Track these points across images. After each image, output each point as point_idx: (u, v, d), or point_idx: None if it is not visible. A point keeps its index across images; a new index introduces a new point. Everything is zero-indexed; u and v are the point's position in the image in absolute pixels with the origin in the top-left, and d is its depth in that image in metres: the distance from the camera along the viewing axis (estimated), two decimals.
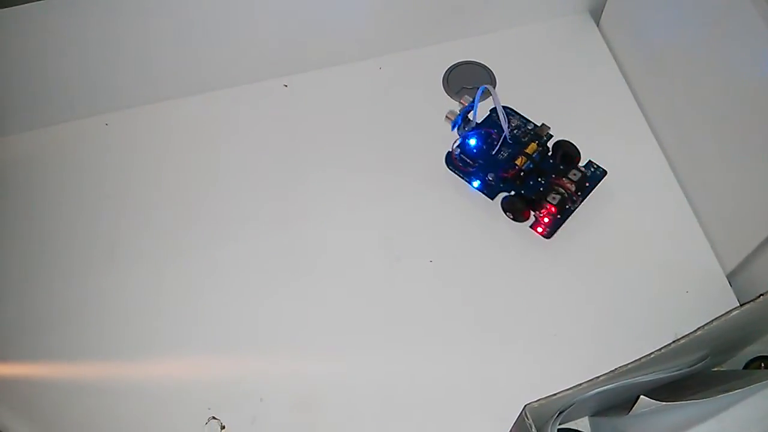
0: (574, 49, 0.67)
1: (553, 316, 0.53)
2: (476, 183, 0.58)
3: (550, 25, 0.68)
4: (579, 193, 0.56)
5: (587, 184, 0.57)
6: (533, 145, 0.57)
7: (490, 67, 0.65)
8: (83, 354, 0.54)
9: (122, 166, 0.62)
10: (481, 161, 0.58)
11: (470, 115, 0.57)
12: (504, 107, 0.59)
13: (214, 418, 0.51)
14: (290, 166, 0.61)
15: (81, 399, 0.52)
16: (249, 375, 0.52)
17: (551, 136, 0.59)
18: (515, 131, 0.59)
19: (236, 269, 0.56)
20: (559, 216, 0.56)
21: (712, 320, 0.37)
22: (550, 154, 0.58)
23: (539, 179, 0.57)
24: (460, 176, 0.59)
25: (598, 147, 0.59)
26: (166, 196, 0.60)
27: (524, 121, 0.60)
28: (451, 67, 0.65)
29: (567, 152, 0.58)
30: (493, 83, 0.64)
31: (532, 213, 0.56)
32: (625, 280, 0.54)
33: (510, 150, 0.58)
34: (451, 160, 0.59)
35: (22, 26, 0.56)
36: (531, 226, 0.56)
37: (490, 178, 0.57)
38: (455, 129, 0.58)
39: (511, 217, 0.56)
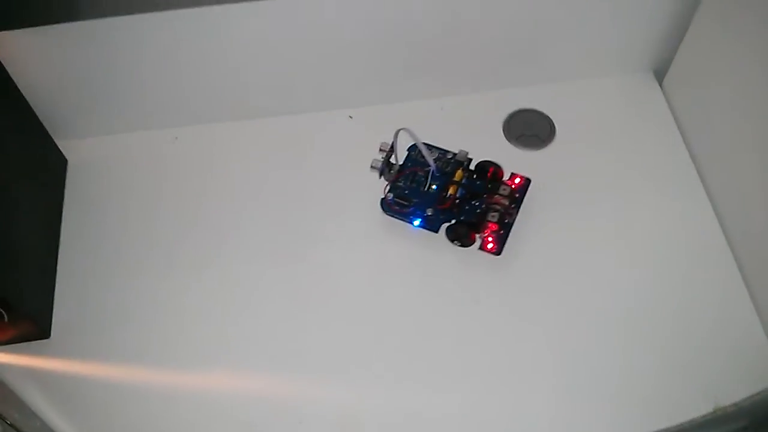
0: (635, 106, 0.67)
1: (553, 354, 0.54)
2: (417, 221, 0.59)
3: (613, 80, 0.69)
4: (513, 206, 0.59)
5: (517, 195, 0.59)
6: (459, 172, 0.60)
7: (550, 117, 0.66)
8: (135, 357, 0.56)
9: (185, 178, 0.64)
10: (415, 200, 0.60)
11: (392, 159, 0.59)
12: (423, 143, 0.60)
13: None
14: (350, 193, 0.63)
15: (127, 400, 0.54)
16: (291, 397, 0.53)
17: (470, 159, 0.61)
18: (438, 163, 0.61)
19: (295, 289, 0.58)
20: (502, 231, 0.58)
21: (758, 393, 0.37)
22: (475, 176, 0.60)
23: (474, 202, 0.59)
24: (399, 219, 0.60)
25: (651, 204, 0.60)
26: (231, 209, 0.62)
27: (443, 151, 0.62)
28: (512, 113, 0.67)
29: (491, 170, 0.60)
30: (553, 132, 0.65)
31: (477, 235, 0.58)
32: (664, 337, 0.54)
33: (439, 182, 0.60)
34: (386, 205, 0.60)
35: (115, 36, 0.58)
36: (480, 248, 0.58)
37: (430, 213, 0.59)
38: (382, 176, 0.59)
39: (459, 244, 0.58)
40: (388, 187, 0.60)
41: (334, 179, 0.64)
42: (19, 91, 0.59)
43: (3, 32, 0.55)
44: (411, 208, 0.59)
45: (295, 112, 0.67)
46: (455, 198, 0.59)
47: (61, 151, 0.65)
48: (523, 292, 0.57)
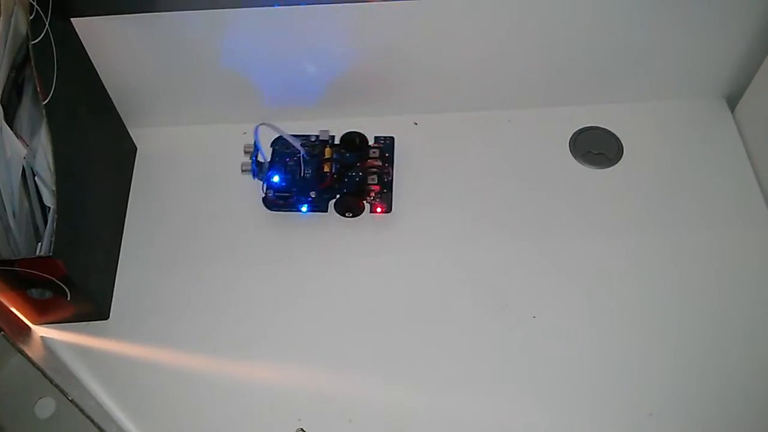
0: (705, 132, 0.67)
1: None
2: (304, 208, 0.61)
3: (684, 104, 0.68)
4: (387, 165, 0.62)
5: (387, 154, 0.63)
6: (328, 149, 0.62)
7: (619, 136, 0.65)
8: (190, 344, 0.57)
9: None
10: (295, 189, 0.61)
11: (260, 158, 0.60)
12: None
13: (302, 430, 0.52)
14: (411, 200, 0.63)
15: (179, 386, 0.55)
16: (343, 394, 0.54)
17: (333, 136, 0.63)
18: (306, 148, 0.62)
19: (355, 290, 0.59)
20: (384, 190, 0.61)
21: None
22: (343, 150, 0.62)
23: (350, 173, 0.61)
24: (286, 210, 0.61)
25: (713, 234, 0.59)
26: None
27: (304, 137, 0.63)
28: (579, 129, 0.66)
29: (356, 139, 0.62)
30: (620, 152, 0.64)
31: (364, 201, 0.60)
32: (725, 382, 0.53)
33: (312, 166, 0.61)
34: (270, 203, 0.61)
35: (194, 29, 0.59)
36: (371, 212, 0.61)
37: (313, 195, 0.60)
38: (256, 177, 0.60)
39: (351, 215, 0.60)
40: (264, 185, 0.61)
41: None
42: (98, 76, 0.61)
43: (89, 18, 0.57)
44: (294, 197, 0.61)
45: (366, 114, 0.67)
46: (332, 174, 0.61)
47: (132, 139, 0.67)
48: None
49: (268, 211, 0.61)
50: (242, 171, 0.61)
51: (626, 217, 0.61)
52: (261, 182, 0.61)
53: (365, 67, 0.64)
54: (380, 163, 0.62)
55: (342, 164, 0.62)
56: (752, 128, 0.65)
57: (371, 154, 0.62)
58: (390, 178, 0.62)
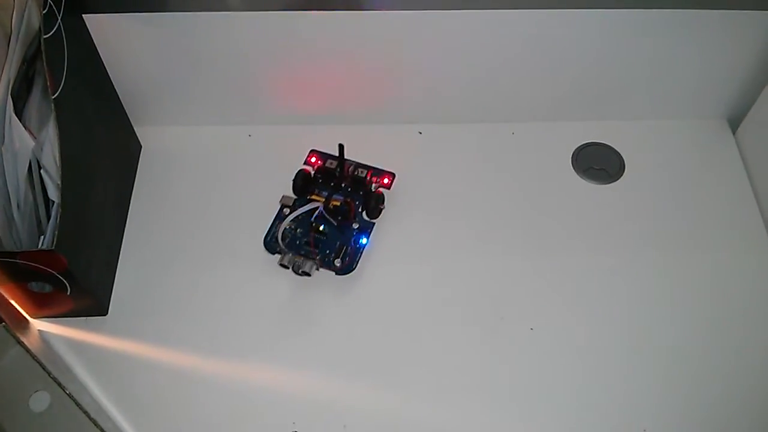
0: (707, 152, 0.67)
1: None
2: (363, 239, 0.61)
3: (686, 124, 0.68)
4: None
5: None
6: (320, 198, 0.61)
7: (621, 153, 0.66)
8: (187, 343, 0.56)
9: (255, 175, 0.65)
10: (334, 235, 0.60)
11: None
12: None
13: None
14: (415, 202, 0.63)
15: (176, 385, 0.55)
16: (338, 400, 0.54)
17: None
18: (305, 212, 0.60)
19: (352, 297, 0.59)
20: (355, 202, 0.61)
21: None
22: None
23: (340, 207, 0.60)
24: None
25: (711, 254, 0.60)
26: None
27: (300, 201, 0.62)
28: (582, 145, 0.67)
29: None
30: (622, 169, 0.65)
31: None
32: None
33: (323, 221, 0.60)
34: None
35: (203, 30, 0.60)
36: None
37: (356, 226, 0.61)
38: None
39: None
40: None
41: None
42: (107, 72, 0.61)
43: (100, 14, 0.57)
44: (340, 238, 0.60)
45: (371, 122, 0.68)
46: (337, 207, 0.60)
47: (137, 137, 0.67)
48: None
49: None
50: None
51: (626, 233, 0.61)
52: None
53: (371, 74, 0.65)
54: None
55: (338, 206, 0.61)
56: (753, 150, 0.65)
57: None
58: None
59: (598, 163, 0.65)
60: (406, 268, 0.60)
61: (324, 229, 0.60)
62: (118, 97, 0.63)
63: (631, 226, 0.62)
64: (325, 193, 0.62)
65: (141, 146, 0.67)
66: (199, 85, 0.65)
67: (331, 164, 0.63)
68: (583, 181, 0.64)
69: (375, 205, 0.61)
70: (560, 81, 0.65)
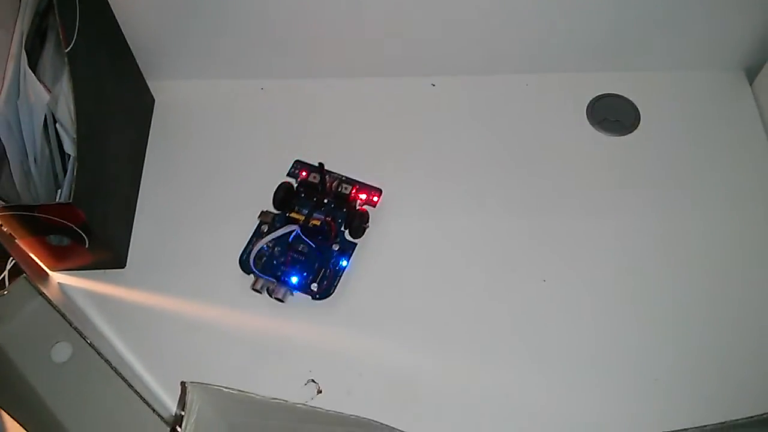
0: (723, 104, 0.66)
1: None
2: (343, 262, 0.58)
3: (703, 75, 0.68)
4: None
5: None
6: (299, 216, 0.58)
7: (636, 104, 0.65)
8: (203, 295, 0.57)
9: (268, 129, 0.66)
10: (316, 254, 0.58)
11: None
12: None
13: (313, 381, 0.53)
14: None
15: (192, 336, 0.56)
16: (354, 349, 0.55)
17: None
18: (286, 229, 0.58)
19: (368, 251, 0.59)
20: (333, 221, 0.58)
21: None
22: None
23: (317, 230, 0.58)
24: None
25: (730, 204, 0.59)
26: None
27: (280, 218, 0.59)
28: (597, 96, 0.66)
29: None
30: (638, 121, 0.64)
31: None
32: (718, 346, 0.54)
33: (305, 238, 0.57)
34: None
35: None
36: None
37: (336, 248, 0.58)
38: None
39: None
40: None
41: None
42: (119, 26, 0.61)
43: None
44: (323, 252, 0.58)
45: (383, 74, 0.68)
46: (317, 227, 0.58)
47: (150, 90, 0.67)
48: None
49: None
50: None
51: (640, 185, 0.61)
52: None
53: (381, 26, 0.64)
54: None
55: (319, 225, 0.58)
56: None
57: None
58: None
59: (614, 114, 0.65)
60: (418, 222, 0.60)
61: (303, 248, 0.57)
62: (131, 51, 0.63)
63: (645, 178, 0.62)
64: (305, 211, 0.59)
65: (154, 100, 0.67)
66: (211, 38, 0.65)
67: (315, 178, 0.60)
68: (598, 132, 0.64)
69: (359, 224, 0.58)
70: (575, 31, 0.64)
